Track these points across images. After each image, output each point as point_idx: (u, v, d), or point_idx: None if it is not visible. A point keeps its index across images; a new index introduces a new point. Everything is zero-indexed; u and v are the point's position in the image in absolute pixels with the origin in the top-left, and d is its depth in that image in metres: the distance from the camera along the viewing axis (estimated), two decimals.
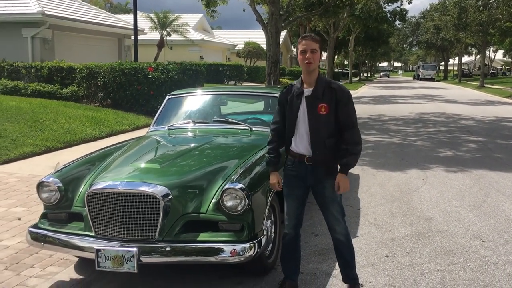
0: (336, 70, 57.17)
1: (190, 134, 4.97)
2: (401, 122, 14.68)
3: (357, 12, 33.30)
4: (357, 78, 61.94)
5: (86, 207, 3.46)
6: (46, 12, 16.65)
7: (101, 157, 4.25)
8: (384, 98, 26.81)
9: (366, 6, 29.72)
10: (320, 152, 3.29)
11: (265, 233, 3.62)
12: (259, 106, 6.09)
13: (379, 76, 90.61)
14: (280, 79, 23.63)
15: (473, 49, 61.82)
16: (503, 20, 35.91)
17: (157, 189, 3.35)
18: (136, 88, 13.49)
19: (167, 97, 5.51)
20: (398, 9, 38.96)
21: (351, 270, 3.50)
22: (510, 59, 71.81)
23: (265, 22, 15.27)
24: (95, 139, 10.03)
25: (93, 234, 3.45)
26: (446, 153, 9.36)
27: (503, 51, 69.46)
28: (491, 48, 65.00)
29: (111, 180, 3.47)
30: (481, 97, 28.24)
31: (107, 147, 4.72)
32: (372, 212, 5.54)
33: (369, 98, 26.18)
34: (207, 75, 24.25)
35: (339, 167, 3.37)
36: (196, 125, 5.08)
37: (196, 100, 5.59)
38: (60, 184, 3.67)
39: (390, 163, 8.22)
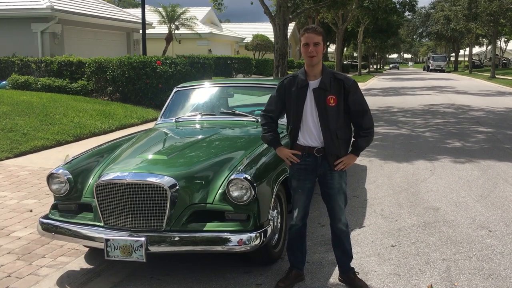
0: (345, 62, 56.90)
1: (197, 126, 5.02)
2: (409, 113, 14.62)
3: (366, 3, 33.09)
4: (367, 70, 61.61)
5: (95, 198, 3.53)
6: (55, 7, 16.77)
7: (109, 149, 4.32)
8: (393, 89, 26.67)
9: None
10: (332, 144, 3.30)
11: (271, 223, 3.66)
12: (266, 98, 6.11)
13: (388, 68, 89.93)
14: (288, 72, 23.61)
15: (484, 39, 61.09)
16: None
17: (164, 180, 3.40)
18: (144, 81, 13.57)
19: (174, 90, 5.57)
20: None
21: (350, 260, 3.55)
22: None
23: (273, 14, 15.24)
24: (105, 132, 10.13)
25: (102, 224, 3.52)
26: (455, 144, 9.33)
27: None
28: (502, 39, 64.12)
29: (119, 171, 3.54)
30: (491, 88, 28.00)
31: (115, 139, 4.79)
32: (379, 202, 5.56)
33: (378, 90, 26.07)
34: (216, 68, 24.26)
35: (350, 148, 3.43)
36: (203, 117, 5.13)
37: (203, 92, 5.64)
38: (70, 176, 3.74)
39: (398, 155, 8.21)
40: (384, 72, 68.60)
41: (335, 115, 3.28)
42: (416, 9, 45.67)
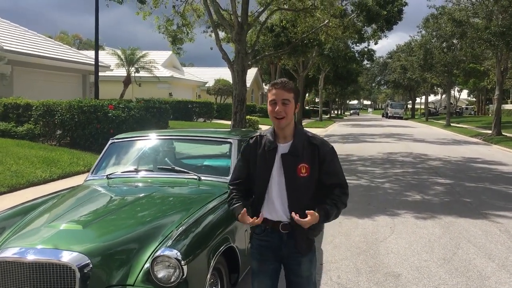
0: (307, 107, 57.69)
1: (130, 184, 4.42)
2: (369, 162, 14.44)
3: (326, 52, 33.73)
4: (328, 116, 62.62)
5: None
6: (4, 47, 16.04)
7: (22, 212, 3.69)
8: (353, 136, 26.81)
9: (334, 46, 30.10)
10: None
11: None
12: (215, 148, 5.62)
13: (349, 113, 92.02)
14: (248, 117, 23.40)
15: (438, 88, 63.56)
16: (466, 62, 37.05)
17: (73, 258, 2.81)
18: (95, 126, 12.91)
19: (110, 141, 5.00)
20: (366, 49, 39.74)
21: None
22: (474, 99, 74.17)
23: (232, 60, 15.03)
24: (45, 181, 9.33)
25: None
26: (415, 196, 9.04)
27: (467, 91, 71.84)
28: (456, 88, 66.93)
29: (20, 247, 2.92)
30: (448, 136, 28.60)
31: (35, 199, 4.17)
32: (336, 267, 5.06)
33: (338, 137, 26.12)
34: (175, 112, 23.80)
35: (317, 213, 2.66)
36: (139, 173, 4.56)
37: (141, 145, 5.05)
38: None
39: (356, 208, 7.80)
40: (344, 118, 69.93)
41: (307, 187, 2.71)
42: (374, 58, 47.02)
